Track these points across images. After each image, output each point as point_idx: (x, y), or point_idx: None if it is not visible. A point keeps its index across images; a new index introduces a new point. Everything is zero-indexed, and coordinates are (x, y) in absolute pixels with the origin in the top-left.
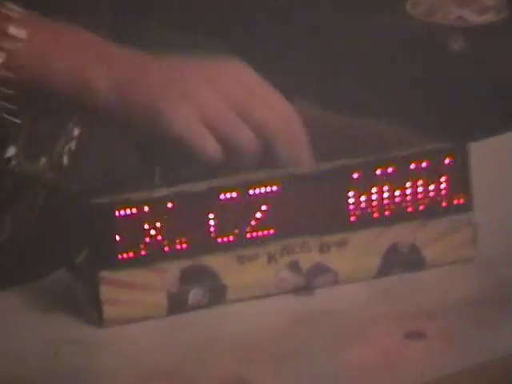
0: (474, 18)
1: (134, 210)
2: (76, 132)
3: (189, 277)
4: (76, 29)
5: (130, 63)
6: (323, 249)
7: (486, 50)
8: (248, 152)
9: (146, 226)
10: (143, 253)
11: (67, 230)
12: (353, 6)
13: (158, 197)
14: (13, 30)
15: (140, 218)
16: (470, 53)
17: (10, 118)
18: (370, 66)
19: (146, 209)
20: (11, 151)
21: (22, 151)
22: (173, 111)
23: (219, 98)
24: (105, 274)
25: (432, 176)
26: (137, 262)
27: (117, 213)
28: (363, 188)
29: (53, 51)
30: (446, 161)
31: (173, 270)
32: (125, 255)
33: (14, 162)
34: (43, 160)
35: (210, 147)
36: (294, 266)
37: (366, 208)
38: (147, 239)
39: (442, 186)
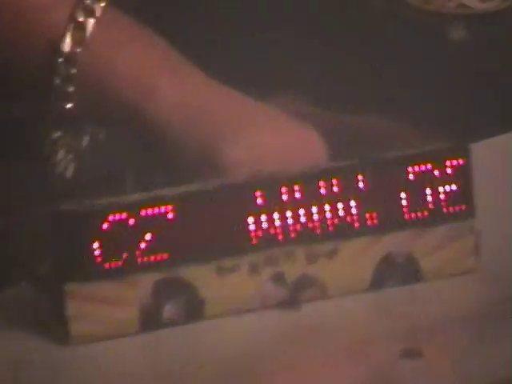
0: (476, 5)
1: (104, 218)
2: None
3: (163, 290)
4: (152, 36)
5: (202, 86)
6: (310, 259)
7: (489, 40)
8: None
9: (117, 235)
10: (113, 264)
11: (30, 237)
12: None
13: (129, 203)
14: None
15: (110, 226)
16: (471, 43)
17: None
18: (361, 58)
19: (117, 216)
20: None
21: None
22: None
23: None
24: (71, 287)
25: (430, 180)
26: (106, 274)
27: (84, 220)
28: (354, 192)
29: (122, 53)
30: (446, 163)
31: (146, 282)
32: (93, 266)
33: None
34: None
35: None
36: (279, 278)
37: (357, 214)
38: (118, 249)
39: (441, 190)
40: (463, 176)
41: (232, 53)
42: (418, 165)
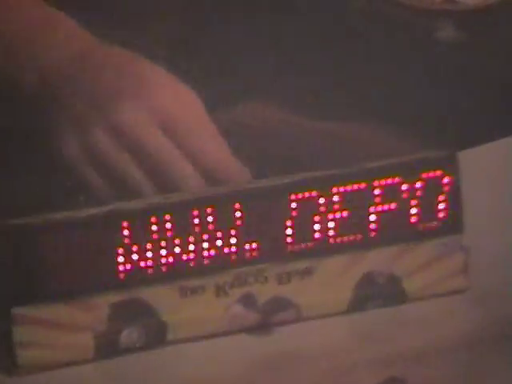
0: (466, 0)
1: (55, 234)
2: None
3: (120, 313)
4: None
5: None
6: (283, 279)
7: (480, 39)
8: None
9: (69, 253)
10: (65, 285)
11: None
12: None
13: (83, 217)
14: None
15: (62, 242)
16: (461, 43)
17: None
18: (344, 61)
19: (69, 232)
20: None
21: None
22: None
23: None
24: (19, 311)
25: (413, 192)
26: (57, 296)
27: (35, 236)
28: (331, 206)
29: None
30: (432, 174)
31: (100, 305)
32: (43, 287)
33: None
34: None
35: None
36: (248, 300)
37: (334, 230)
38: (70, 268)
39: (426, 203)
40: (450, 187)
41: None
42: (397, 176)
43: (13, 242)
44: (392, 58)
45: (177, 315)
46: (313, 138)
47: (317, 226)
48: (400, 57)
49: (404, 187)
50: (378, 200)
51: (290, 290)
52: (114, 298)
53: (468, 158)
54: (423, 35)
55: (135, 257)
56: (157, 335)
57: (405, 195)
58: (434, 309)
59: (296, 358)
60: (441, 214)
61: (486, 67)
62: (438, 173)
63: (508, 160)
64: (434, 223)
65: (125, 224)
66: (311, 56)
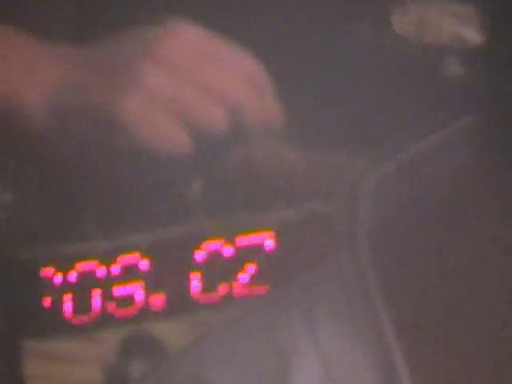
0: (474, 37)
1: (64, 268)
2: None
3: (130, 348)
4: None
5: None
6: None
7: (489, 77)
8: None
9: (79, 287)
10: (75, 319)
11: None
12: (327, 15)
13: (93, 252)
14: None
15: (71, 277)
16: (469, 81)
17: None
18: (346, 92)
19: (78, 266)
20: None
21: None
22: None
23: (170, 74)
24: (29, 344)
25: None
26: (67, 330)
27: (43, 271)
28: None
29: None
30: None
31: (110, 339)
32: (54, 322)
33: None
34: None
35: (178, 140)
36: None
37: None
38: (80, 303)
39: None
40: None
41: None
42: None
43: (21, 276)
44: (396, 93)
45: None
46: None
47: None
48: (405, 93)
49: None
50: None
51: None
52: (125, 332)
53: None
54: (430, 72)
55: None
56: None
57: None
58: None
59: None
60: None
61: (490, 106)
62: None
63: None
64: None
65: None
66: (318, 91)
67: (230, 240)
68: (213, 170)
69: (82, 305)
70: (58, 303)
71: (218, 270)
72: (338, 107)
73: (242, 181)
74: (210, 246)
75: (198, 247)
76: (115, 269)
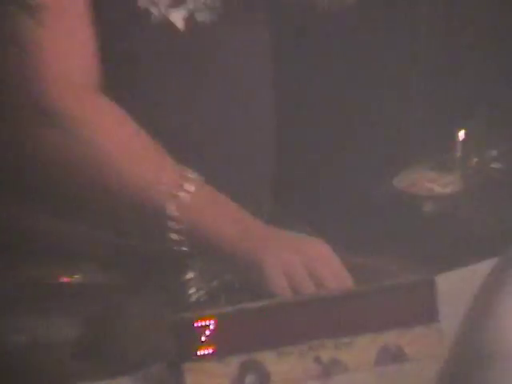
0: (437, 189)
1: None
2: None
3: (245, 368)
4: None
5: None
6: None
7: (450, 211)
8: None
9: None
10: (213, 350)
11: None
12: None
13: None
14: (187, 185)
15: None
16: (439, 213)
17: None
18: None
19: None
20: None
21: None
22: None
23: (300, 262)
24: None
25: None
26: (209, 357)
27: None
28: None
29: (210, 210)
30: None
31: (234, 363)
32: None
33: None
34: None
35: (283, 289)
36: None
37: None
38: (218, 341)
39: None
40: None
41: None
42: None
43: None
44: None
45: (276, 368)
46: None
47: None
48: (401, 224)
49: None
50: None
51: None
52: (242, 358)
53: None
54: (415, 208)
55: None
56: (265, 380)
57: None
58: None
59: None
60: None
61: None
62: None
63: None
64: None
65: None
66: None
67: None
68: None
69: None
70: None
71: None
72: None
73: None
74: None
75: None
76: None
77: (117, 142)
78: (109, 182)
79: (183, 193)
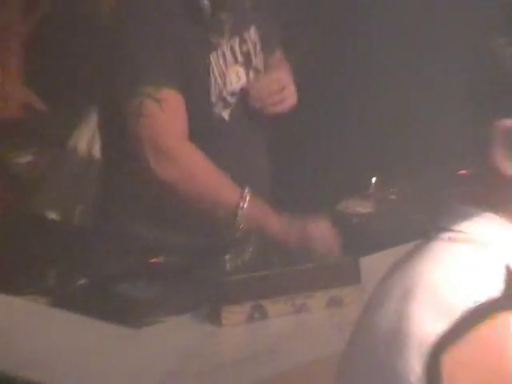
0: (361, 210)
1: None
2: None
3: (253, 308)
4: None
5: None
6: None
7: (367, 222)
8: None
9: None
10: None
11: None
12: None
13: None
14: (245, 198)
15: None
16: (361, 223)
17: None
18: None
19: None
20: None
21: None
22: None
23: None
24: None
25: None
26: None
27: None
28: None
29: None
30: None
31: (247, 305)
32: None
33: None
34: None
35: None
36: (293, 304)
37: None
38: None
39: None
40: None
41: None
42: None
43: None
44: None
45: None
46: None
47: None
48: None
49: None
50: None
51: None
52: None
53: None
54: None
55: None
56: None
57: None
58: None
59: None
60: None
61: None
62: None
63: None
64: None
65: None
66: None
67: None
68: None
69: None
70: None
71: None
72: None
73: None
74: None
75: None
76: None
77: (207, 173)
78: (203, 199)
79: (243, 203)
